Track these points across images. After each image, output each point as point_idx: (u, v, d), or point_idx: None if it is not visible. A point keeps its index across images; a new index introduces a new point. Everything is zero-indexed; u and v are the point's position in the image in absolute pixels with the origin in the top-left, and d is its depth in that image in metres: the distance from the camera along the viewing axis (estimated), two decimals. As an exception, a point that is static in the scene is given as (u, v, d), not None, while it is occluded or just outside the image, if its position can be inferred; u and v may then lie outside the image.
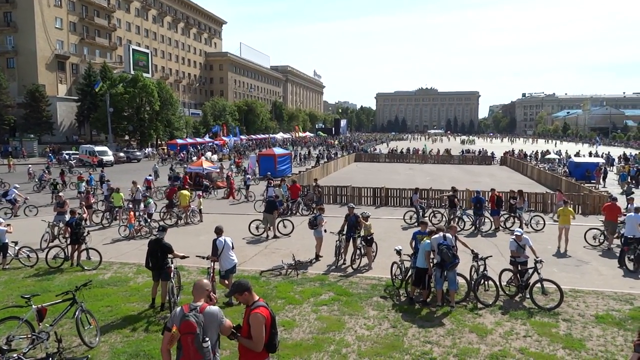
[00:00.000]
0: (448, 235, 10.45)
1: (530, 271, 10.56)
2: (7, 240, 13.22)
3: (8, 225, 13.61)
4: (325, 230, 13.89)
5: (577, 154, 53.84)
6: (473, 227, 18.46)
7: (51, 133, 63.99)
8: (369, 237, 13.14)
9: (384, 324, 9.23)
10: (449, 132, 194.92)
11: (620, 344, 8.41)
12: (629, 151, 66.94)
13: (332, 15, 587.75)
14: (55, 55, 69.52)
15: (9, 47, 67.14)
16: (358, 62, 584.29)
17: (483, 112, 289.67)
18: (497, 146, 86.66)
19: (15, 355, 6.34)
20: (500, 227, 18.61)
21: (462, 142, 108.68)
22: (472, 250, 11.08)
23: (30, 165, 37.80)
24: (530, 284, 10.44)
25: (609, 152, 57.80)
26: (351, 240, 13.57)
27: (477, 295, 10.41)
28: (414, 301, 10.38)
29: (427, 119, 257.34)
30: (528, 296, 10.35)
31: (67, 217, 15.16)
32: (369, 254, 13.25)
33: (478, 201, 18.54)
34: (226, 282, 10.27)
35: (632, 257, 13.26)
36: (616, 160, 50.49)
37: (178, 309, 4.74)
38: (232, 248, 10.35)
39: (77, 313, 8.00)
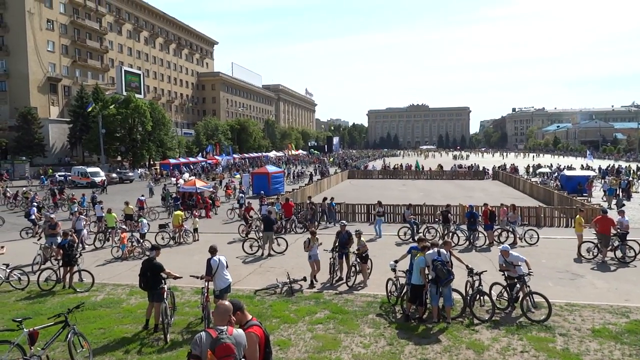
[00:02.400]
0: (442, 250, 10.45)
1: (519, 285, 10.59)
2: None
3: (2, 247, 13.51)
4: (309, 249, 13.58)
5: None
6: (467, 242, 18.48)
7: (43, 155, 63.73)
8: (363, 254, 13.10)
9: (380, 342, 9.16)
10: (454, 148, 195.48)
11: (617, 357, 8.39)
12: (618, 164, 67.53)
13: (322, 34, 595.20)
14: (47, 78, 69.60)
15: (1, 70, 67.14)
16: (349, 79, 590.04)
17: (474, 127, 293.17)
18: (489, 161, 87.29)
19: (6, 380, 6.22)
20: (495, 242, 18.63)
21: (454, 157, 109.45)
22: (467, 266, 11.04)
23: (24, 188, 37.54)
24: (520, 298, 10.49)
25: (601, 166, 58.36)
26: (344, 257, 13.57)
27: (473, 311, 10.38)
28: (410, 318, 10.32)
29: (419, 134, 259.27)
30: (519, 309, 10.38)
31: (59, 239, 15.02)
32: (364, 271, 13.20)
33: (472, 216, 18.60)
34: (220, 301, 10.17)
35: None
36: (607, 173, 50.94)
37: (203, 333, 4.54)
38: (227, 267, 10.28)
39: (69, 336, 7.89)
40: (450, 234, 18.81)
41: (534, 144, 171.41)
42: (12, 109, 65.15)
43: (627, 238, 15.90)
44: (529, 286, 10.52)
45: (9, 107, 65.56)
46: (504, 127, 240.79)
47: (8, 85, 67.59)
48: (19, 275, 13.49)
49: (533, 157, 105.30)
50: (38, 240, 17.65)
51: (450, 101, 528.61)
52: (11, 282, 13.28)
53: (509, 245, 17.50)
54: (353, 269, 13.24)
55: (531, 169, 58.89)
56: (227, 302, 4.86)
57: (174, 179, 47.28)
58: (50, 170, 55.56)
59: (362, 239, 13.30)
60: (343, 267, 13.62)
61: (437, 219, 22.04)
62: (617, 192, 33.71)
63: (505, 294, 10.85)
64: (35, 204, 26.47)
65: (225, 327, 4.57)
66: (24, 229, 22.02)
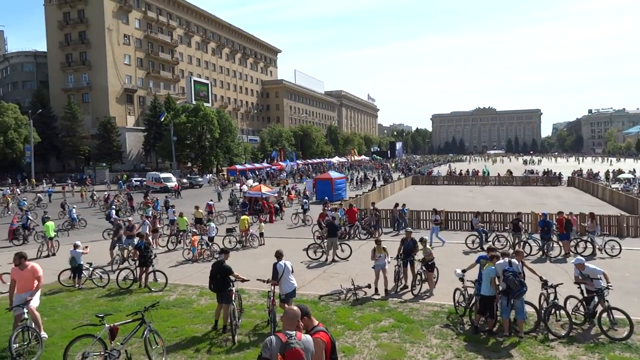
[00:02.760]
0: (514, 261, 9.99)
1: (597, 299, 9.90)
2: (82, 262, 14.08)
3: (86, 247, 14.56)
4: (384, 258, 13.10)
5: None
6: (540, 253, 17.57)
7: (121, 161, 68.12)
8: (430, 262, 12.81)
9: (448, 354, 8.89)
10: (525, 153, 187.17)
11: None
12: None
13: (384, 39, 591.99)
14: (124, 89, 74.33)
15: (84, 83, 72.71)
16: (412, 84, 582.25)
17: (546, 131, 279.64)
18: (563, 166, 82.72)
19: (90, 372, 6.64)
20: (571, 253, 17.55)
21: (525, 162, 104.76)
22: (541, 277, 10.47)
23: (106, 193, 40.12)
24: (598, 313, 9.77)
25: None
26: (409, 265, 13.34)
27: (549, 326, 9.81)
28: (478, 330, 9.94)
29: (486, 139, 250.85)
30: (596, 325, 9.70)
31: (136, 240, 15.90)
32: (430, 279, 12.89)
33: (545, 224, 17.67)
34: (286, 306, 10.31)
35: None
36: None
37: (273, 337, 4.61)
38: (292, 272, 10.41)
39: (145, 333, 8.29)
40: (522, 244, 17.97)
41: (613, 147, 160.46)
42: (93, 119, 70.20)
43: None
44: (607, 301, 9.80)
45: (91, 117, 70.67)
46: (579, 129, 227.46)
47: (90, 97, 73.02)
48: (101, 273, 14.46)
49: (611, 161, 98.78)
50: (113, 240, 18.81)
51: (520, 104, 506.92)
52: (94, 280, 14.24)
53: (587, 256, 16.47)
54: (419, 277, 12.98)
55: (611, 175, 55.11)
56: (295, 307, 4.90)
57: (238, 185, 48.57)
58: (125, 176, 59.09)
59: (427, 246, 13.00)
60: (408, 275, 13.38)
61: (507, 227, 21.16)
62: None
63: (582, 309, 10.19)
64: (114, 207, 28.25)
65: (294, 332, 4.63)
66: (106, 230, 23.49)
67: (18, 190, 46.84)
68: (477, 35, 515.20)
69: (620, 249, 17.32)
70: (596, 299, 9.95)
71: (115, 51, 72.91)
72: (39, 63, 78.74)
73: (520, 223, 19.53)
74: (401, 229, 23.29)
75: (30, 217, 24.28)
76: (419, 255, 13.33)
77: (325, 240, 17.69)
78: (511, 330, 9.73)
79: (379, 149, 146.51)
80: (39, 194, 40.24)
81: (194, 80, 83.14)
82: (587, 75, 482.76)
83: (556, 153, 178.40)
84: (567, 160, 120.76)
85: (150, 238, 17.93)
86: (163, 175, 52.56)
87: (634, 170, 59.64)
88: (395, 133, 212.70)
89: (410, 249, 13.33)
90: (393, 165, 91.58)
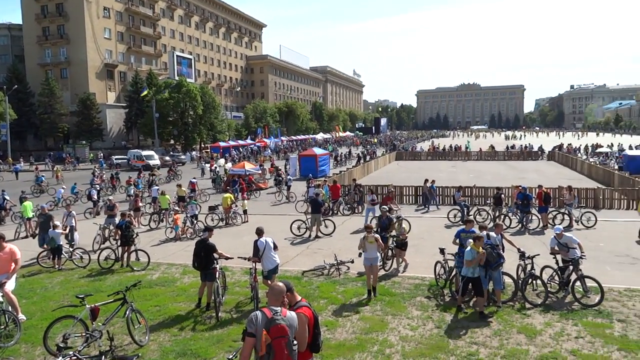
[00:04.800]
0: (492, 234, 10.24)
1: (571, 268, 10.22)
2: (61, 242, 13.89)
3: (65, 227, 14.34)
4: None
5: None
6: (520, 225, 17.91)
7: (101, 139, 66.87)
8: (403, 240, 12.66)
9: (428, 324, 9.09)
10: (508, 128, 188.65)
11: (682, 347, 7.92)
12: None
13: (370, 14, 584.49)
14: (104, 64, 72.52)
15: (62, 58, 70.70)
16: (398, 60, 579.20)
17: (529, 106, 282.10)
18: (544, 141, 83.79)
19: (70, 352, 6.61)
20: (549, 225, 17.92)
21: (507, 137, 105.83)
22: (519, 249, 10.76)
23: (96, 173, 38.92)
24: (572, 281, 10.12)
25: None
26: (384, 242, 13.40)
27: (525, 295, 10.09)
28: (462, 309, 9.94)
29: (469, 114, 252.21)
30: (570, 293, 10.04)
31: (117, 219, 15.74)
32: (399, 257, 12.72)
33: (525, 198, 17.97)
34: (269, 282, 10.37)
35: None
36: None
37: (259, 313, 4.66)
38: (275, 248, 10.44)
39: (127, 312, 8.27)
40: (502, 217, 18.28)
41: (593, 122, 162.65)
42: (72, 95, 68.53)
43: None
44: (581, 270, 10.16)
45: (70, 94, 68.98)
46: (560, 105, 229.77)
47: (69, 72, 71.14)
48: (81, 253, 14.28)
49: (587, 135, 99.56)
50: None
51: (504, 80, 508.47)
52: (74, 260, 14.08)
53: (564, 228, 16.80)
54: (390, 252, 12.93)
55: (590, 149, 56.03)
56: (281, 284, 4.95)
57: (207, 165, 44.75)
58: (91, 155, 57.84)
59: (403, 225, 13.05)
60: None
61: (488, 201, 21.47)
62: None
63: (557, 278, 10.53)
64: (97, 186, 27.84)
65: (280, 308, 4.69)
66: (87, 210, 23.21)
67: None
68: (463, 10, 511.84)
69: (596, 220, 17.74)
70: (571, 268, 10.27)
71: (95, 25, 70.77)
72: (13, 36, 76.04)
73: (503, 197, 19.84)
74: (429, 205, 23.41)
75: (6, 196, 23.78)
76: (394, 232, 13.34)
77: (309, 217, 17.75)
78: (489, 301, 9.97)
79: (363, 125, 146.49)
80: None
81: (177, 55, 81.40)
82: (570, 52, 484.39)
83: (538, 128, 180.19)
84: (548, 135, 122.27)
85: (132, 217, 17.83)
86: (145, 152, 51.72)
87: (612, 144, 60.66)
88: (380, 109, 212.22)
89: (385, 226, 13.37)
90: (376, 141, 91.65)
